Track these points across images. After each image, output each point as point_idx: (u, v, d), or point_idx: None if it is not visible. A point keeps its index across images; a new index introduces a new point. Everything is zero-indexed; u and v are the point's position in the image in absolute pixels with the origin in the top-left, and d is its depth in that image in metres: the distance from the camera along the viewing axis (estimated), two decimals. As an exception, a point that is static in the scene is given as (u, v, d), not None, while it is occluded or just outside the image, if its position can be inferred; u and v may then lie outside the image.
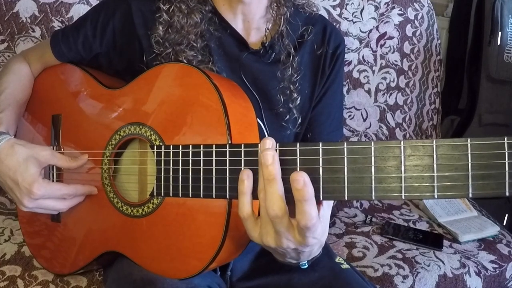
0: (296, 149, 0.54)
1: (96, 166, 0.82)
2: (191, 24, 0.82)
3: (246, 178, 0.56)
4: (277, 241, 0.57)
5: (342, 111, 1.03)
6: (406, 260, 1.14)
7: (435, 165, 0.47)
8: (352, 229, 1.30)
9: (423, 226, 1.34)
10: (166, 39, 0.83)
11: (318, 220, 0.54)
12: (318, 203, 0.55)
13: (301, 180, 0.51)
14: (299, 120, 0.90)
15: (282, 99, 0.88)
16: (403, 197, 0.49)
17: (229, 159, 0.59)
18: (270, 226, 0.56)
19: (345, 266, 0.87)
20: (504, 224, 1.78)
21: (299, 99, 0.88)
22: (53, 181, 0.88)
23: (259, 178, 0.55)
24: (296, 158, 0.54)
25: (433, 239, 1.25)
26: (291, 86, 0.88)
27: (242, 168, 0.58)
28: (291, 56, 0.88)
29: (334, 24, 1.50)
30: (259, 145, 0.56)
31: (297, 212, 0.53)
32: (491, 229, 1.30)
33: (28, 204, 0.78)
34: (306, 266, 0.67)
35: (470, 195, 0.46)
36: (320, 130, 0.95)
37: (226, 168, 0.59)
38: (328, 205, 0.58)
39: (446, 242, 1.24)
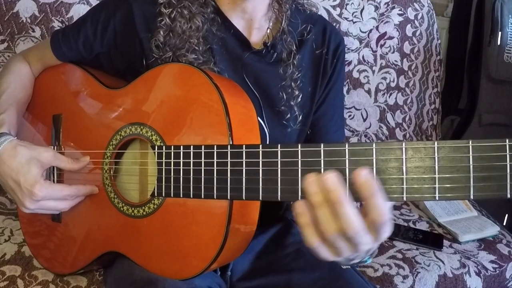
0: (298, 150, 0.54)
1: (97, 167, 0.82)
2: (193, 29, 0.82)
3: (303, 210, 0.51)
4: (354, 251, 0.53)
5: (343, 110, 1.04)
6: (406, 260, 1.14)
7: (436, 167, 0.47)
8: (352, 229, 1.30)
9: (423, 226, 1.34)
10: (166, 44, 0.82)
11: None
12: None
13: (363, 175, 0.48)
14: (300, 118, 0.90)
15: (284, 97, 0.88)
16: (405, 198, 0.49)
17: (230, 161, 0.59)
18: (346, 243, 0.52)
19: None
20: (504, 224, 1.78)
21: (300, 96, 0.89)
22: (53, 181, 0.88)
23: (320, 205, 0.50)
24: (298, 160, 0.54)
25: (433, 239, 1.25)
26: (293, 83, 0.88)
27: (243, 169, 0.58)
28: (293, 54, 0.88)
29: (334, 24, 1.50)
30: (260, 147, 0.56)
31: (369, 209, 0.49)
32: (491, 229, 1.30)
33: (29, 206, 0.78)
34: (370, 260, 0.65)
35: (471, 197, 0.46)
36: (325, 131, 0.96)
37: (227, 169, 0.59)
38: None
39: (446, 242, 1.24)
